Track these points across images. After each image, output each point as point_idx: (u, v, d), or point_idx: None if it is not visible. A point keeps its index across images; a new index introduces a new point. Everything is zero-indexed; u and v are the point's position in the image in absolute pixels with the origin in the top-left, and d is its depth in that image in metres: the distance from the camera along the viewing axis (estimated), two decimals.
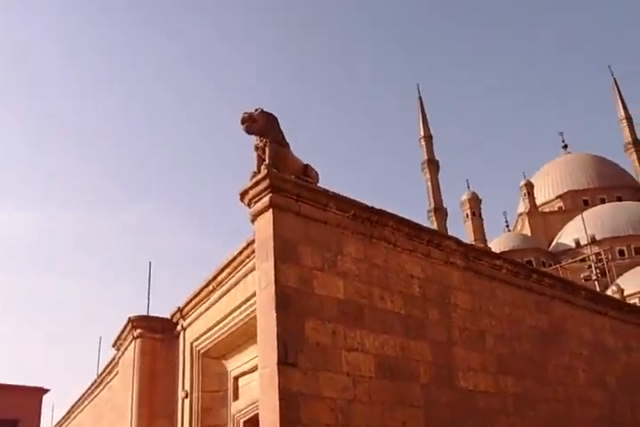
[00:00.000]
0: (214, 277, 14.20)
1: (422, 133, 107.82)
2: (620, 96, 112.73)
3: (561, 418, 15.42)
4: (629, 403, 18.44)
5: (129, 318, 17.06)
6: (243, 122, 11.21)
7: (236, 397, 14.64)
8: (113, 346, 19.51)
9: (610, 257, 60.13)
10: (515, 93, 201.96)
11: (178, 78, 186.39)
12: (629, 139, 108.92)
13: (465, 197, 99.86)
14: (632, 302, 58.63)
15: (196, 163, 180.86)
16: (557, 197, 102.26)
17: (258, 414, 10.48)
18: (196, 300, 15.29)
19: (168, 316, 16.97)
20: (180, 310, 16.25)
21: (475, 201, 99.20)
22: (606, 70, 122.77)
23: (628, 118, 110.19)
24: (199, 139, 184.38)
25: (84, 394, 29.57)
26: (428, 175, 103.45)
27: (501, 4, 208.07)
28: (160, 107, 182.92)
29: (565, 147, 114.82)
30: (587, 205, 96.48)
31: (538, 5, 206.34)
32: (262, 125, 11.29)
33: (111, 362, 22.08)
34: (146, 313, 17.71)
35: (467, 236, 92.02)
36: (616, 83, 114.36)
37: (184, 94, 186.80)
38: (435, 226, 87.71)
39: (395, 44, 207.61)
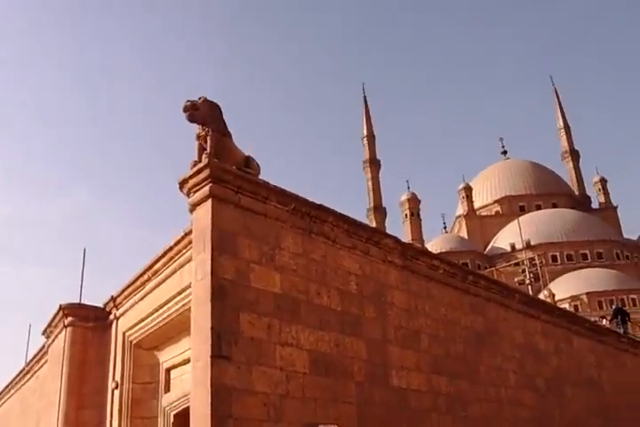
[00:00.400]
0: (150, 267, 13.91)
1: (365, 133, 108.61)
2: (560, 106, 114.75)
3: (492, 419, 15.51)
4: (558, 405, 18.68)
5: (60, 306, 16.60)
6: (185, 110, 11.00)
7: (167, 389, 14.39)
8: (43, 334, 19.03)
9: (543, 262, 60.92)
10: (459, 97, 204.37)
11: (120, 65, 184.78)
12: (567, 148, 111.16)
13: (404, 197, 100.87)
14: (563, 306, 59.53)
15: (139, 149, 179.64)
16: (495, 202, 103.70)
17: (189, 407, 10.27)
18: (131, 289, 14.96)
19: (101, 305, 16.59)
20: (113, 298, 15.88)
21: (414, 202, 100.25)
22: (548, 80, 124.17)
23: (567, 128, 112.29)
24: (142, 125, 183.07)
25: (10, 383, 28.93)
26: (369, 174, 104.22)
27: (453, 8, 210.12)
28: (103, 92, 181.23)
29: (505, 153, 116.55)
30: (523, 210, 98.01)
31: (487, 13, 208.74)
32: (205, 114, 11.10)
33: (40, 350, 21.60)
34: (78, 301, 17.28)
35: (405, 236, 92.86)
36: (556, 93, 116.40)
37: (126, 81, 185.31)
38: (374, 225, 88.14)
39: (343, 41, 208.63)
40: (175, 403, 13.68)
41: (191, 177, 10.84)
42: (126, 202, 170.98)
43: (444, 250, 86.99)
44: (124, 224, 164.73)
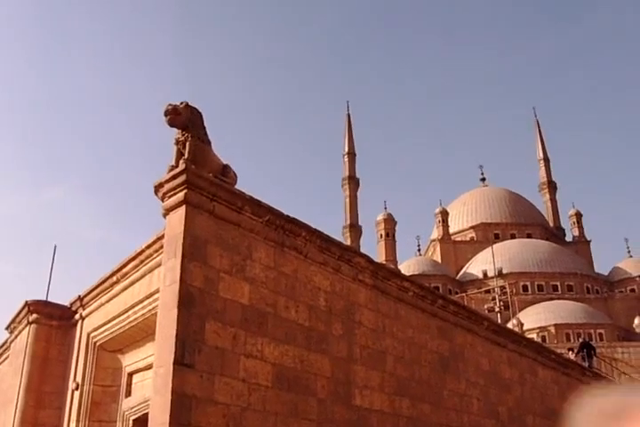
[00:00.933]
0: (119, 269, 13.74)
1: (346, 150, 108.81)
2: (541, 137, 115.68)
3: None
4: None
5: (26, 302, 16.38)
6: (166, 114, 10.94)
7: (128, 393, 14.22)
8: (6, 329, 18.77)
9: (514, 291, 61.14)
10: (442, 122, 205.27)
11: (105, 64, 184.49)
12: (545, 179, 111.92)
13: (381, 217, 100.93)
14: (530, 336, 59.63)
15: (116, 150, 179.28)
16: (470, 228, 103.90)
17: (148, 413, 10.13)
18: (98, 290, 14.77)
19: (67, 304, 16.39)
20: (80, 298, 15.68)
21: (390, 222, 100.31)
22: (531, 111, 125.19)
23: (546, 159, 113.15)
24: (120, 126, 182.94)
25: None
26: (347, 192, 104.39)
27: (440, 34, 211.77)
28: (81, 90, 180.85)
29: (483, 180, 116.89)
30: (497, 238, 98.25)
31: (474, 41, 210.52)
32: (186, 119, 11.05)
33: (2, 345, 21.33)
34: (45, 299, 17.07)
35: (378, 256, 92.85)
36: (538, 124, 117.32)
37: (111, 81, 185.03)
38: (349, 242, 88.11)
39: (328, 58, 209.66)
40: (135, 408, 13.51)
41: (167, 181, 10.75)
42: (100, 202, 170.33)
43: (416, 272, 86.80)
44: (97, 224, 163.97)
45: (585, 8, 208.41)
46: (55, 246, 20.36)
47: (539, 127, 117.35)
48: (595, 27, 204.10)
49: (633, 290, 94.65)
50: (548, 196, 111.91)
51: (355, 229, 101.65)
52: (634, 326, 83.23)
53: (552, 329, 77.44)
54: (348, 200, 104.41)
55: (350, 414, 12.67)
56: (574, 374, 24.76)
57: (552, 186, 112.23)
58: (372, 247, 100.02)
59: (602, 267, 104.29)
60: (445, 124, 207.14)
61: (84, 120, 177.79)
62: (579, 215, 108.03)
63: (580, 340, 37.92)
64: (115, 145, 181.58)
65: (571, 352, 32.53)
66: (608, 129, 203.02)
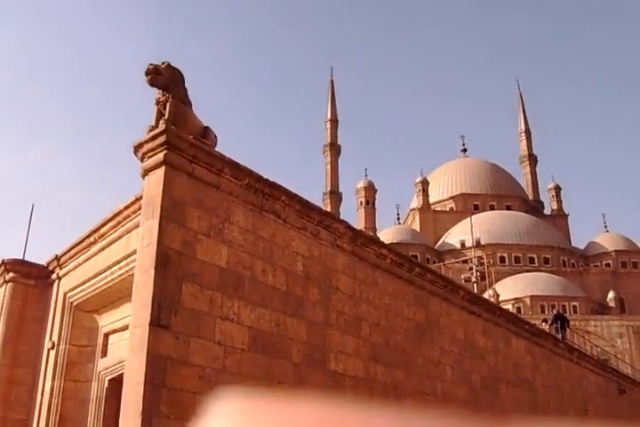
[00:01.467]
0: (97, 229, 13.64)
1: (329, 117, 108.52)
2: (524, 110, 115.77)
3: (425, 411, 15.49)
4: (490, 402, 18.77)
5: (2, 261, 16.26)
6: (147, 73, 10.81)
7: (104, 353, 14.20)
8: None
9: (491, 262, 61.43)
10: (427, 91, 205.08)
11: (85, 22, 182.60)
12: (525, 152, 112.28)
13: (361, 184, 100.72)
14: (506, 307, 60.03)
15: (96, 110, 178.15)
16: (450, 198, 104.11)
17: (124, 373, 10.14)
18: (76, 250, 14.67)
19: (44, 263, 16.30)
20: (57, 258, 15.58)
21: (370, 190, 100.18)
22: (515, 83, 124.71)
23: (528, 132, 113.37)
24: (101, 86, 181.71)
25: None
26: (329, 159, 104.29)
27: (425, 6, 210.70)
28: (69, 50, 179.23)
29: (465, 150, 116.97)
30: (477, 209, 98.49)
31: (458, 10, 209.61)
32: (167, 79, 10.93)
33: None
34: (22, 257, 16.99)
35: (358, 223, 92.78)
36: (521, 97, 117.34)
37: (91, 40, 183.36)
38: (329, 209, 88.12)
39: (312, 25, 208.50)
40: (111, 368, 13.52)
41: (146, 142, 10.65)
42: (79, 163, 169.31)
43: (395, 241, 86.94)
44: (76, 184, 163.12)
45: None
46: (33, 206, 20.27)
47: (522, 99, 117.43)
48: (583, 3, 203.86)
49: (608, 264, 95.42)
50: (528, 168, 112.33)
51: (335, 195, 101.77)
52: (607, 300, 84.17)
53: (527, 301, 78.04)
54: (329, 167, 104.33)
55: (325, 378, 12.73)
56: (547, 345, 24.99)
57: (533, 159, 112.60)
58: (352, 215, 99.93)
59: (579, 241, 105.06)
60: (429, 94, 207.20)
61: (63, 80, 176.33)
62: (558, 189, 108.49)
63: (555, 312, 38.21)
64: (95, 105, 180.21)
65: (545, 324, 32.81)
66: (590, 103, 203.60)
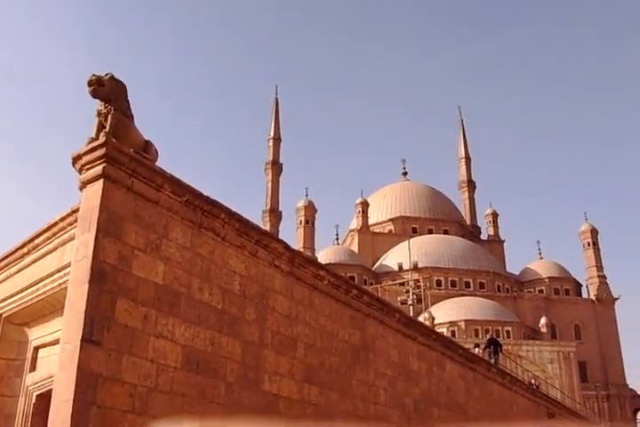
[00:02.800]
0: (30, 240, 13.24)
1: (272, 134, 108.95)
2: (464, 136, 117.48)
3: None
4: (422, 426, 18.79)
5: None
6: (90, 84, 10.62)
7: (33, 368, 13.81)
8: None
9: (427, 285, 61.93)
10: (370, 113, 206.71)
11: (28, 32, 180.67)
12: (464, 178, 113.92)
13: (301, 204, 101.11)
14: (441, 330, 60.56)
15: (37, 118, 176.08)
16: (389, 220, 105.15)
17: (53, 389, 9.88)
18: (7, 260, 14.18)
19: None
20: None
21: (310, 209, 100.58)
22: (456, 109, 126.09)
23: (467, 158, 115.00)
24: (41, 92, 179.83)
25: None
26: (270, 176, 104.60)
27: (373, 27, 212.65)
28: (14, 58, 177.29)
29: (405, 174, 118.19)
30: (415, 232, 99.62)
31: (403, 37, 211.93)
32: (109, 91, 10.74)
33: None
34: None
35: (297, 243, 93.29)
36: (462, 123, 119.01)
37: (37, 48, 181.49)
38: (267, 227, 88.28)
39: (258, 43, 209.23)
40: (39, 383, 13.16)
41: (85, 154, 10.41)
42: (20, 171, 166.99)
43: (333, 261, 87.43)
44: (16, 193, 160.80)
45: (510, 19, 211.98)
46: None
47: (462, 126, 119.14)
48: (522, 33, 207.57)
49: (541, 291, 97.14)
50: (466, 194, 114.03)
51: (275, 213, 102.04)
52: (540, 325, 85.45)
53: (462, 324, 78.87)
54: (270, 185, 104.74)
55: (259, 399, 12.61)
56: (480, 369, 25.18)
57: (471, 185, 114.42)
58: (292, 233, 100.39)
59: (513, 266, 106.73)
60: (372, 116, 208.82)
61: (6, 87, 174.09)
62: (495, 215, 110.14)
63: (488, 336, 38.57)
64: (38, 113, 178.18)
65: (477, 348, 33.04)
66: (528, 132, 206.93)
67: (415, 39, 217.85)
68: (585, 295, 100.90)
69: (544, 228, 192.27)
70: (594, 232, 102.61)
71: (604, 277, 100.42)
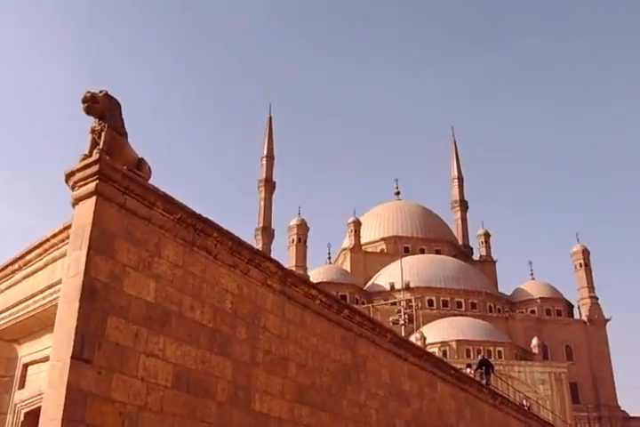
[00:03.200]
0: (22, 256, 13.16)
1: (265, 153, 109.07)
2: (457, 156, 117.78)
3: None
4: None
5: None
6: (84, 101, 10.63)
7: (22, 385, 13.71)
8: None
9: (419, 305, 61.88)
10: (363, 133, 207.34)
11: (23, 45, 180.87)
12: (457, 198, 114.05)
13: (294, 222, 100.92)
14: (432, 350, 60.41)
15: (30, 132, 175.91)
16: (381, 239, 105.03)
17: (41, 407, 9.78)
18: None
19: None
20: None
21: (303, 228, 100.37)
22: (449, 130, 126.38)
23: (460, 178, 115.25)
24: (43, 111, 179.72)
25: None
26: (263, 195, 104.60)
27: (367, 49, 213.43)
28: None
29: (398, 193, 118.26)
30: (407, 251, 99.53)
31: (398, 58, 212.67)
32: (103, 108, 10.75)
33: None
34: None
35: (289, 261, 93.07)
36: (455, 144, 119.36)
37: (30, 60, 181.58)
38: (260, 245, 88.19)
39: (252, 62, 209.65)
40: (28, 401, 13.05)
41: (78, 170, 10.40)
42: (13, 187, 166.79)
43: (325, 280, 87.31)
44: (5, 208, 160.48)
45: (502, 39, 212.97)
46: None
47: (455, 147, 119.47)
48: (514, 53, 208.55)
49: (533, 311, 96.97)
50: (459, 214, 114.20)
51: (267, 232, 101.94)
52: (531, 346, 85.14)
53: (454, 345, 78.65)
54: (262, 203, 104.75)
55: (249, 418, 12.53)
56: (471, 390, 25.07)
57: (464, 205, 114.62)
58: (284, 252, 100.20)
59: (505, 287, 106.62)
60: (366, 136, 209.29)
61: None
62: (487, 235, 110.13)
63: (480, 357, 38.47)
64: (35, 129, 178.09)
65: (469, 369, 32.93)
66: (521, 152, 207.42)
67: (408, 60, 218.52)
68: (577, 316, 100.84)
69: (536, 248, 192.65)
70: (585, 253, 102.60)
71: (596, 297, 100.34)
